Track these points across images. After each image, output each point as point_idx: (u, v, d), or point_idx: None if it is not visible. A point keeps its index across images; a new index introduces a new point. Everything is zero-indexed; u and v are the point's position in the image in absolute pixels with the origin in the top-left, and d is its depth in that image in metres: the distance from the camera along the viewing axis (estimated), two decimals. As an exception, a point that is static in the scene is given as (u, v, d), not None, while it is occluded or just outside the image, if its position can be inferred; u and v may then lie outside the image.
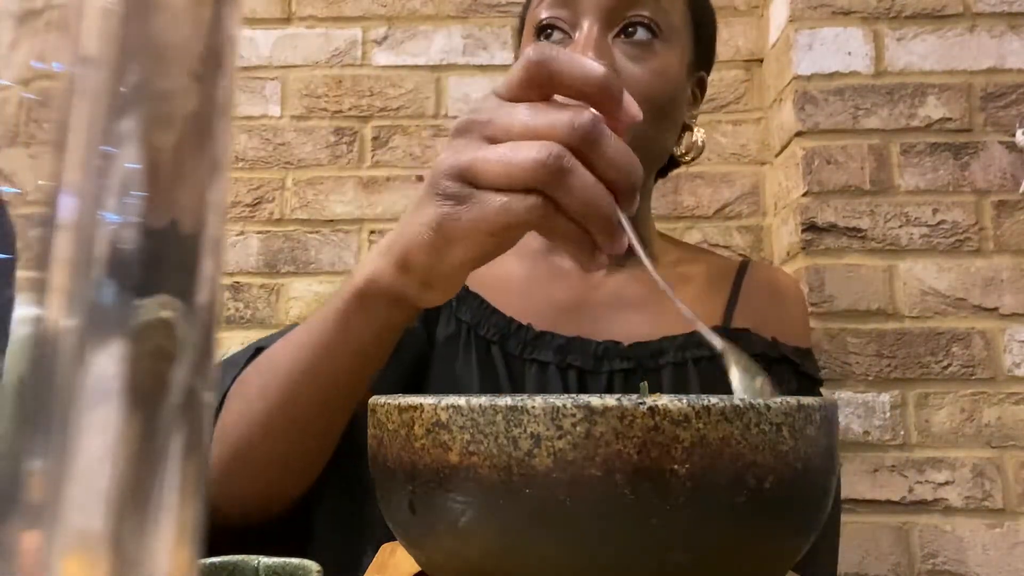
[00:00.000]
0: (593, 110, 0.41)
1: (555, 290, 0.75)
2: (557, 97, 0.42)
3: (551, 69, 0.41)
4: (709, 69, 0.79)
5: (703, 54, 0.77)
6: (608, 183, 0.40)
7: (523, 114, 0.41)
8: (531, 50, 0.41)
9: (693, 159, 0.77)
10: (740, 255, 1.45)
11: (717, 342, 0.38)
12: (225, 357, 0.64)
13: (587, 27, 0.68)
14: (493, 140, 0.41)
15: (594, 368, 0.70)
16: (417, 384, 0.72)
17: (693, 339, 0.71)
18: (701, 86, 0.79)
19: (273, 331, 1.41)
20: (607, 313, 0.74)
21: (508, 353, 0.71)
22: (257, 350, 0.61)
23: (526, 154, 0.39)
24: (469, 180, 0.42)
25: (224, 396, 0.56)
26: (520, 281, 0.66)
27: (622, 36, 0.69)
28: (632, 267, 0.76)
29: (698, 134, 0.76)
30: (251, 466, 0.53)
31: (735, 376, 0.36)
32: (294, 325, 0.58)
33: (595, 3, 0.68)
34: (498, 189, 0.40)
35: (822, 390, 0.83)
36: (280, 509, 0.57)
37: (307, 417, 0.53)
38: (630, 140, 0.66)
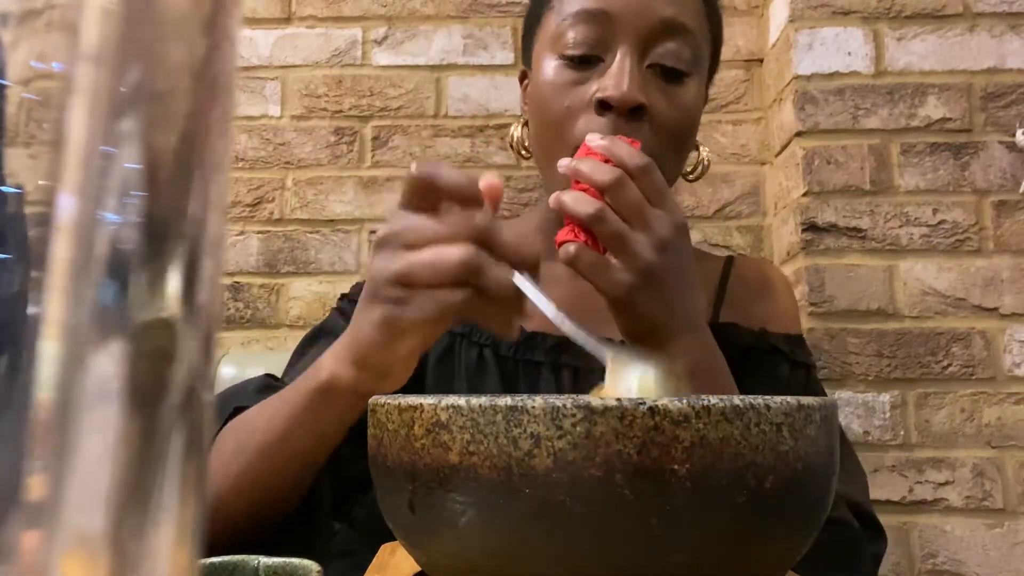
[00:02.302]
0: (483, 212, 0.49)
1: (552, 288, 0.75)
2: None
3: (432, 184, 0.50)
4: (712, 81, 0.80)
5: (713, 70, 0.77)
6: (510, 262, 0.49)
7: (430, 223, 0.50)
8: (413, 167, 0.51)
9: (698, 177, 0.78)
10: (741, 254, 1.45)
11: (606, 355, 0.46)
12: (235, 386, 0.68)
13: (621, 55, 0.67)
14: (411, 247, 0.49)
15: (587, 366, 0.71)
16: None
17: None
18: (705, 99, 0.79)
19: (274, 331, 1.42)
20: (599, 314, 0.74)
21: (500, 355, 0.71)
22: (266, 375, 0.70)
23: (450, 256, 0.48)
24: (404, 283, 0.49)
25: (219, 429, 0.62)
26: None
27: (655, 68, 0.68)
28: None
29: (704, 152, 0.77)
30: (221, 517, 0.57)
31: (621, 380, 0.44)
32: (285, 378, 0.66)
33: (632, 29, 0.67)
34: (429, 287, 0.48)
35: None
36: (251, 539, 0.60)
37: (274, 478, 0.59)
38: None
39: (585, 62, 0.68)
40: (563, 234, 0.57)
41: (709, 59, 0.74)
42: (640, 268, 0.55)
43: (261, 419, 0.59)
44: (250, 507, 0.58)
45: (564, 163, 0.58)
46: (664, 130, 0.68)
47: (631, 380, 0.42)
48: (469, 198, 0.50)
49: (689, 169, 0.77)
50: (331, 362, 0.55)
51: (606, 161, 0.56)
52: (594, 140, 0.58)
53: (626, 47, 0.67)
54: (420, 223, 0.50)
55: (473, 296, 0.48)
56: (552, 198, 0.57)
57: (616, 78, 0.66)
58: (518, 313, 0.50)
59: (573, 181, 0.57)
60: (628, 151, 0.57)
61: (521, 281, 0.49)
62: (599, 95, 0.66)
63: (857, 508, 0.67)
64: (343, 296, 0.80)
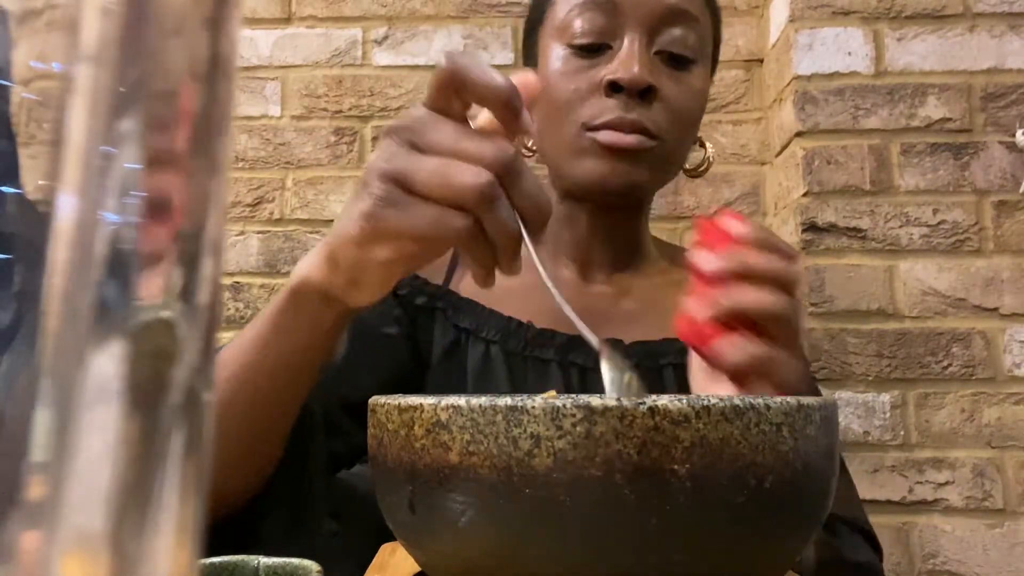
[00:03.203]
0: (512, 146, 0.44)
1: (559, 291, 0.75)
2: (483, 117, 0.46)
3: (463, 78, 0.43)
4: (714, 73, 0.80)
5: (715, 64, 0.78)
6: (521, 212, 0.44)
7: (452, 133, 0.43)
8: (444, 58, 0.44)
9: (702, 173, 0.79)
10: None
11: (594, 340, 0.44)
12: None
13: (629, 40, 0.68)
14: (422, 149, 0.43)
15: (595, 366, 0.70)
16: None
17: None
18: None
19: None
20: (608, 314, 0.74)
21: (509, 352, 0.70)
22: None
23: (464, 176, 0.42)
24: (402, 185, 0.43)
25: None
26: (518, 286, 0.66)
27: (663, 54, 0.69)
28: (632, 272, 0.77)
29: (709, 149, 0.78)
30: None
31: (606, 371, 0.43)
32: None
33: (639, 16, 0.68)
34: (428, 200, 0.43)
35: (823, 390, 0.83)
36: (225, 511, 0.56)
37: (249, 416, 0.54)
38: (656, 153, 0.67)
39: (593, 50, 0.69)
40: (703, 328, 0.50)
41: (713, 39, 0.75)
42: (795, 354, 0.50)
43: (233, 349, 0.54)
44: (231, 453, 0.52)
45: (731, 265, 0.49)
46: (672, 113, 0.69)
47: (625, 375, 0.42)
48: (501, 103, 0.43)
49: (693, 165, 0.78)
50: (304, 263, 0.51)
51: (725, 238, 0.51)
52: (737, 227, 0.51)
53: (633, 34, 0.68)
54: (441, 126, 0.44)
55: (476, 229, 0.43)
56: (734, 298, 0.49)
57: (626, 61, 0.67)
58: (507, 266, 0.45)
59: (706, 274, 0.50)
60: (784, 253, 0.50)
61: (525, 236, 0.44)
62: (609, 76, 0.67)
63: (867, 534, 0.66)
64: None
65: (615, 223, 0.75)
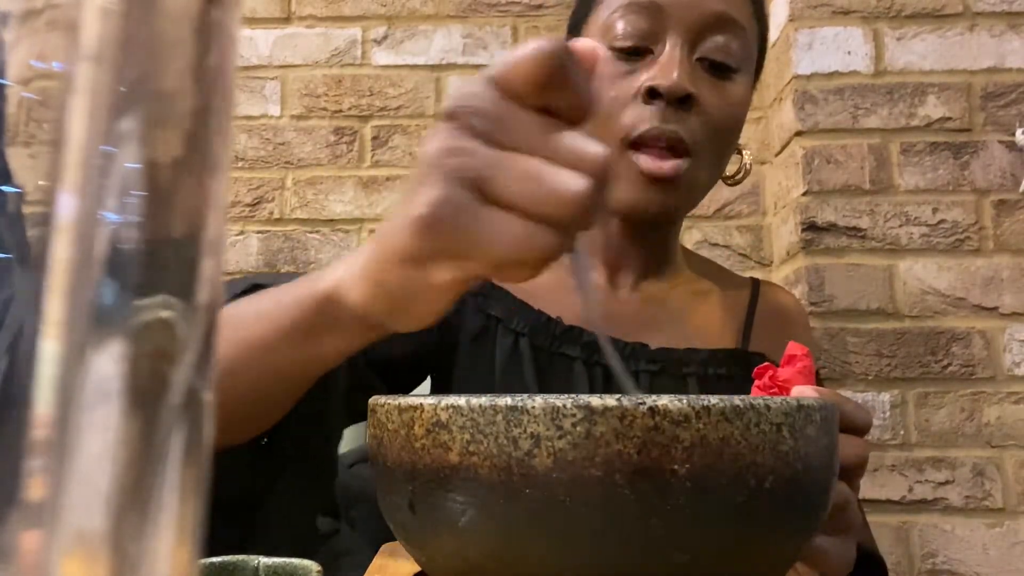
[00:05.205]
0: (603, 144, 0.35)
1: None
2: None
3: (567, 73, 0.33)
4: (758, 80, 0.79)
5: (759, 70, 0.77)
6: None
7: (542, 126, 0.34)
8: (547, 43, 0.33)
9: (739, 181, 0.78)
10: (741, 254, 1.45)
11: (616, 360, 0.40)
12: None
13: (671, 46, 0.66)
14: (500, 144, 0.34)
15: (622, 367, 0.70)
16: (443, 381, 0.72)
17: (716, 356, 0.72)
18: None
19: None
20: (634, 318, 0.74)
21: (537, 346, 0.70)
22: (253, 287, 0.55)
23: (566, 183, 0.32)
24: (477, 188, 0.33)
25: None
26: (548, 283, 0.65)
27: (704, 62, 0.67)
28: (659, 280, 0.77)
29: (747, 156, 0.76)
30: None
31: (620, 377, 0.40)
32: (292, 275, 0.53)
33: (683, 21, 0.67)
34: (510, 210, 0.33)
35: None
36: (234, 440, 0.52)
37: (254, 383, 0.47)
38: (691, 174, 0.66)
39: (634, 54, 0.68)
40: None
41: (758, 50, 0.74)
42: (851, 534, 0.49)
43: (249, 314, 0.47)
44: (231, 407, 0.45)
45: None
46: (710, 124, 0.67)
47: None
48: (581, 111, 0.35)
49: (731, 172, 0.77)
50: (339, 270, 0.41)
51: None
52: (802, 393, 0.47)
53: (676, 39, 0.67)
54: (526, 116, 0.34)
55: (562, 250, 0.34)
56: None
57: (666, 67, 0.66)
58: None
59: None
60: (858, 429, 0.47)
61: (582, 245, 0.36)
62: (648, 83, 0.66)
63: (872, 556, 0.66)
64: None
65: (646, 232, 0.74)
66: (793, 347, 0.51)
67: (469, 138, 0.33)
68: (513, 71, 0.34)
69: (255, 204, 1.47)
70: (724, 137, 0.70)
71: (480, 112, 0.34)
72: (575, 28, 0.76)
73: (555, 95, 0.34)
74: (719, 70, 0.68)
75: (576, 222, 0.33)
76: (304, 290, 0.43)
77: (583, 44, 0.35)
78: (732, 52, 0.68)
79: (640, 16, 0.67)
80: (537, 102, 0.34)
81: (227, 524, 0.55)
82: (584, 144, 0.33)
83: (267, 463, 0.58)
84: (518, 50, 0.34)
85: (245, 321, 0.46)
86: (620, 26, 0.68)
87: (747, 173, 0.77)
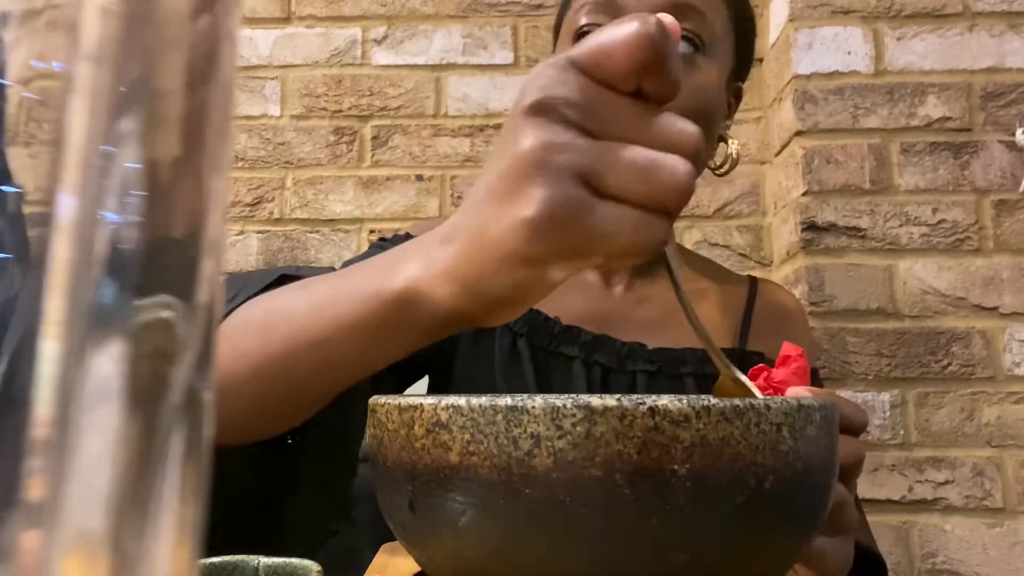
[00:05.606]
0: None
1: (581, 294, 0.76)
2: None
3: (664, 54, 0.32)
4: (745, 78, 0.79)
5: (742, 64, 0.76)
6: None
7: (640, 113, 0.33)
8: (642, 24, 0.32)
9: (728, 171, 0.77)
10: (741, 253, 1.45)
11: (727, 364, 0.40)
12: (238, 273, 0.60)
13: None
14: (595, 135, 0.33)
15: (618, 367, 0.71)
16: (441, 380, 0.72)
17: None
18: (737, 96, 0.78)
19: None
20: (632, 318, 0.75)
21: (535, 346, 0.71)
22: (282, 277, 0.54)
23: (675, 170, 0.32)
24: (589, 183, 0.32)
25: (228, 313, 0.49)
26: None
27: None
28: (654, 279, 0.77)
29: (733, 146, 0.75)
30: (228, 399, 0.45)
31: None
32: (316, 268, 0.52)
33: (638, 11, 0.67)
34: (622, 202, 0.32)
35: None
36: (242, 443, 0.50)
37: (301, 379, 0.46)
38: None
39: None
40: None
41: (733, 51, 0.73)
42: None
43: (300, 311, 0.44)
44: (269, 399, 0.46)
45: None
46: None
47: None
48: (664, 96, 0.34)
49: (719, 163, 0.76)
50: (408, 268, 0.38)
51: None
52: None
53: None
54: (621, 104, 0.33)
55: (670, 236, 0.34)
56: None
57: None
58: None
59: None
60: (855, 429, 0.47)
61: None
62: None
63: (875, 559, 0.66)
64: (381, 239, 0.75)
65: None
66: (788, 348, 0.51)
67: (565, 130, 0.32)
68: (608, 55, 0.32)
69: (255, 204, 1.47)
70: (696, 122, 0.69)
71: (572, 102, 0.32)
72: (555, 33, 0.78)
73: (651, 79, 0.33)
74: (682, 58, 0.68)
75: (682, 205, 0.33)
76: (367, 287, 0.40)
77: (670, 20, 0.34)
78: (692, 38, 0.68)
79: (598, 13, 0.69)
80: (632, 87, 0.33)
81: (245, 524, 0.54)
82: (682, 125, 0.33)
83: (291, 461, 0.58)
84: (607, 32, 0.33)
85: (296, 315, 0.44)
86: (583, 21, 0.70)
87: (735, 163, 0.76)
